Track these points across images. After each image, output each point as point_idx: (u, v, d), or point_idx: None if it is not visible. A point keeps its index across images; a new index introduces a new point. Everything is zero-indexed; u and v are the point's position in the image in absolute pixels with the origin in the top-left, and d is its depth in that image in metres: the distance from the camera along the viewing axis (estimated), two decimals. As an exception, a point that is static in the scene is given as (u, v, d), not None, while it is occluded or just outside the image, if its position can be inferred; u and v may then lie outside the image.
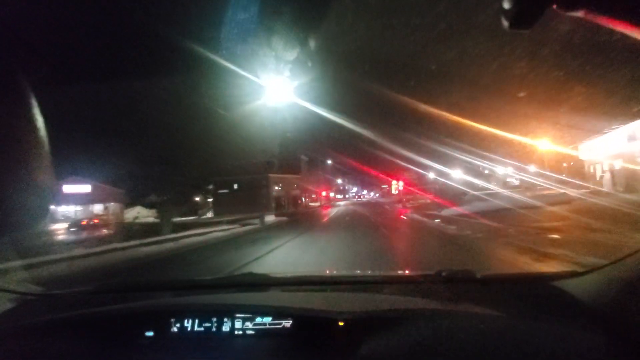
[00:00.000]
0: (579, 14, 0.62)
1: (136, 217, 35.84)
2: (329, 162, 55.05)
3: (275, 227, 16.60)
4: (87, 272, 6.77)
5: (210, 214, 38.89)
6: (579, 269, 1.25)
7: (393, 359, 0.98)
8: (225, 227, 15.76)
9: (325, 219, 21.40)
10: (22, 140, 0.52)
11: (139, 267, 7.54)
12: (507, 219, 10.38)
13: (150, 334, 1.18)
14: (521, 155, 25.84)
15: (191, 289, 1.66)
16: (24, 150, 0.52)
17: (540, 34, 5.98)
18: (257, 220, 18.74)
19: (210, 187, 38.52)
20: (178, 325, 1.18)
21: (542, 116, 16.11)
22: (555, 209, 12.43)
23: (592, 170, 23.70)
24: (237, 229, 15.62)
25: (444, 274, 1.41)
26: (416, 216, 16.48)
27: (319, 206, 46.71)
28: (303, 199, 47.81)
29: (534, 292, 1.31)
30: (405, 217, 17.29)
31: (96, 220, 26.75)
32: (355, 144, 39.11)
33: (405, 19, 7.00)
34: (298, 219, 22.52)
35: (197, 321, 1.18)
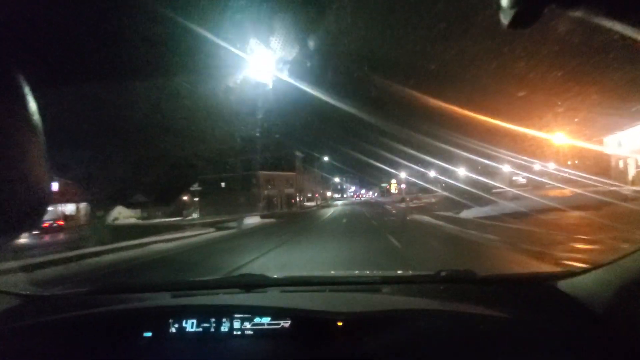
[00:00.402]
0: (579, 13, 0.61)
1: (116, 218, 33.07)
2: (326, 159, 51.92)
3: (256, 233, 13.61)
4: None
5: (196, 215, 36.25)
6: (578, 269, 1.20)
7: (392, 359, 0.97)
8: (191, 232, 12.78)
9: (317, 222, 18.56)
10: (20, 140, 0.52)
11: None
12: (564, 226, 7.64)
13: (148, 334, 1.15)
14: (535, 151, 23.38)
15: (189, 289, 1.63)
16: (22, 151, 0.52)
17: (562, 25, 5.40)
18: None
19: (196, 185, 35.67)
20: (176, 325, 1.15)
21: (560, 108, 14.93)
22: (605, 213, 9.67)
23: (621, 165, 20.96)
24: (206, 234, 12.70)
25: (443, 274, 1.38)
26: (427, 219, 13.56)
27: (314, 206, 43.98)
28: (298, 199, 44.80)
29: (534, 292, 1.27)
30: (412, 220, 14.39)
31: (60, 222, 23.80)
32: (354, 142, 37.20)
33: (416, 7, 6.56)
34: (287, 222, 19.65)
35: (195, 322, 1.14)
